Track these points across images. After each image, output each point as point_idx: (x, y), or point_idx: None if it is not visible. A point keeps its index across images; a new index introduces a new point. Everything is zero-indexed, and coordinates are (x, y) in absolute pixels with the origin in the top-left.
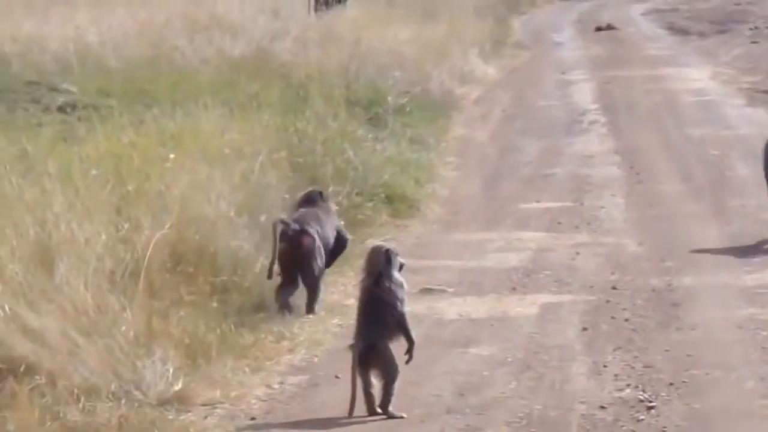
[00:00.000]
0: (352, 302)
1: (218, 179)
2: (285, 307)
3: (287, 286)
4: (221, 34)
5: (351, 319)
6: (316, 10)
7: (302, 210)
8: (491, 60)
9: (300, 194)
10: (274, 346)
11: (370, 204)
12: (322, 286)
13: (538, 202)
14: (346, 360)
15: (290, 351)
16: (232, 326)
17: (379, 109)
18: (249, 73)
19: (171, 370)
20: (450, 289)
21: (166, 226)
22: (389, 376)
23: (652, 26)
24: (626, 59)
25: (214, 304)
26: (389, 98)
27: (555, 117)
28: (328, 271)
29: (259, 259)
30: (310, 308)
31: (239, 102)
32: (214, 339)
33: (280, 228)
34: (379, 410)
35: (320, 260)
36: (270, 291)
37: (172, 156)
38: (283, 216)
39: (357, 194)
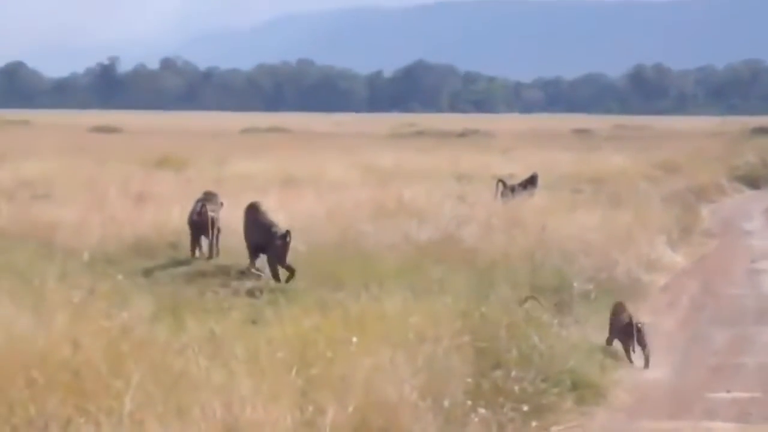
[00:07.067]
0: None
1: (401, 363)
2: None
3: None
4: (408, 220)
5: None
6: (502, 196)
7: None
8: (679, 247)
9: None
10: None
11: (555, 390)
12: None
13: (728, 392)
14: None
15: None
16: None
17: (564, 295)
18: (434, 258)
19: None
20: None
21: (350, 409)
22: None
23: None
24: None
25: None
26: (574, 284)
27: (745, 306)
28: None
29: None
30: None
31: (423, 286)
32: None
33: None
34: None
35: None
36: None
37: (355, 339)
38: None
39: (542, 380)
